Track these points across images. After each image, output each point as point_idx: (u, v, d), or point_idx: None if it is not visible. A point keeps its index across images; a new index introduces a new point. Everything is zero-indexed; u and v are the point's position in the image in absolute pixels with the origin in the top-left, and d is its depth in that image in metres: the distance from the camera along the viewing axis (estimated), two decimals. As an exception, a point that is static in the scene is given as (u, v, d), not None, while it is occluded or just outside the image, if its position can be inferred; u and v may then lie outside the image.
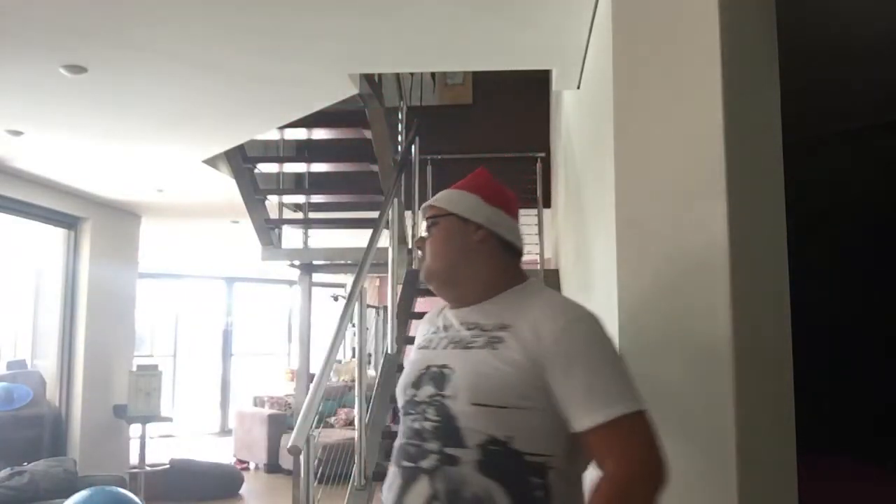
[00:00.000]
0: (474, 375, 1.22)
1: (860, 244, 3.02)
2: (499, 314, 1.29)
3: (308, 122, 3.98)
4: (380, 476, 3.42)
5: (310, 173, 5.57)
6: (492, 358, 1.22)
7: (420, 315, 4.54)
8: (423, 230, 1.44)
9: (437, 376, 1.27)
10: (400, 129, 5.02)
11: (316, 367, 3.31)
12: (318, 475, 2.76)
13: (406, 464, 1.25)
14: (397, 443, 1.32)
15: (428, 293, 4.89)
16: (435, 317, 1.45)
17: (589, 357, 1.19)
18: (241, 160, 4.70)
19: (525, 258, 1.44)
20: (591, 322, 1.24)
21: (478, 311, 1.33)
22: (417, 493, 1.21)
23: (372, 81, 3.67)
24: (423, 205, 1.44)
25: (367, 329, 3.80)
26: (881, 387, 2.83)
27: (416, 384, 1.31)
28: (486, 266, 1.36)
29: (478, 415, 1.19)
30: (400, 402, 1.35)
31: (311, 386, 2.64)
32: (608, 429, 1.14)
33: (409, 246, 4.89)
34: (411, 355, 1.45)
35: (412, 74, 5.52)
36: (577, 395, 1.16)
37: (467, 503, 1.16)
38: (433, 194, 5.75)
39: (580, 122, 2.82)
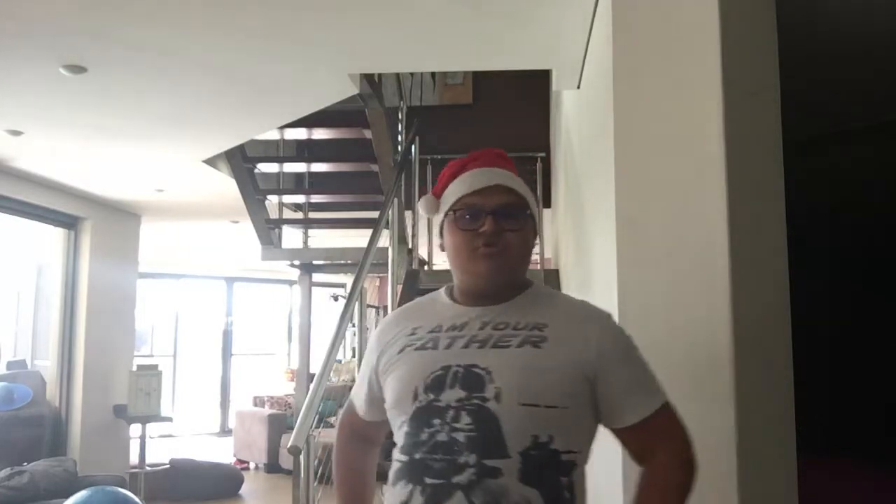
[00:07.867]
0: (523, 375, 1.16)
1: (862, 242, 3.01)
2: (527, 314, 1.24)
3: (308, 122, 3.98)
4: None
5: (310, 173, 5.57)
6: (539, 356, 1.18)
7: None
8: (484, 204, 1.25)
9: (467, 377, 1.16)
10: (400, 129, 5.02)
11: (316, 367, 3.32)
12: (318, 475, 2.75)
13: (432, 481, 1.13)
14: (407, 457, 1.18)
15: (429, 293, 4.89)
16: (417, 316, 1.33)
17: (631, 352, 1.25)
18: (241, 160, 4.71)
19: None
20: (616, 321, 1.33)
21: (501, 310, 1.25)
22: None
23: (372, 81, 3.67)
24: (496, 182, 1.28)
25: (367, 329, 3.80)
26: (882, 387, 2.83)
27: (434, 388, 1.18)
28: (525, 268, 1.33)
29: (525, 416, 1.14)
30: (403, 410, 1.21)
31: (311, 386, 2.65)
32: (659, 417, 1.20)
33: (409, 246, 4.89)
34: (391, 358, 1.28)
35: (412, 74, 5.52)
36: (629, 389, 1.21)
37: None
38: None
39: (580, 122, 2.82)
